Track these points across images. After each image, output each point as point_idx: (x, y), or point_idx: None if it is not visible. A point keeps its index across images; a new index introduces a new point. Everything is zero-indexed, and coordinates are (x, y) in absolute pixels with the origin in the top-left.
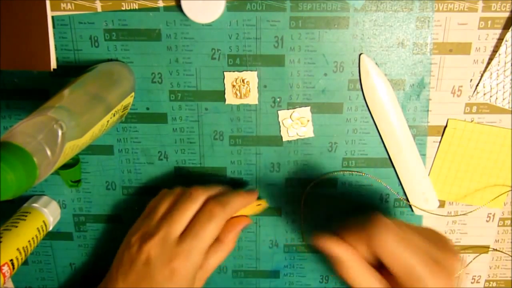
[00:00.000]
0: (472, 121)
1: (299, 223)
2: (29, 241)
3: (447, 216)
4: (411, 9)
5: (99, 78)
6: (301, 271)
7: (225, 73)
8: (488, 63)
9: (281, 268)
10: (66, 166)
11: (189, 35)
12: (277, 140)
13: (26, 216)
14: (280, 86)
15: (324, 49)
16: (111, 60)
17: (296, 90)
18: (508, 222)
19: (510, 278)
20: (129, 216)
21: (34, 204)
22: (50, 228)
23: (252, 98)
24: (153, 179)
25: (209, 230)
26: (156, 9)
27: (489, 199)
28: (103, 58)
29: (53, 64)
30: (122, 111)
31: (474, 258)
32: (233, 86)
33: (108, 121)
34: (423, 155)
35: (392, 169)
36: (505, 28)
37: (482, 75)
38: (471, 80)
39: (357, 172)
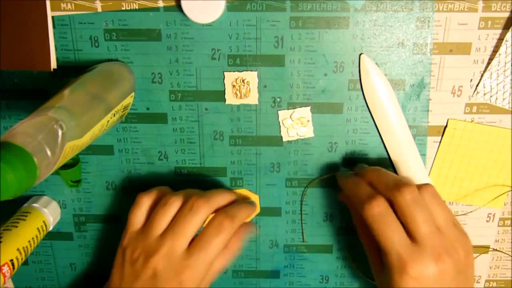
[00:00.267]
0: (472, 121)
1: (299, 223)
2: (29, 241)
3: None
4: (411, 9)
5: (99, 78)
6: (301, 271)
7: (225, 73)
8: (488, 63)
9: (281, 268)
10: (66, 166)
11: (189, 35)
12: (277, 140)
13: (26, 216)
14: (280, 86)
15: (324, 49)
16: (111, 60)
17: (296, 90)
18: (508, 222)
19: (510, 278)
20: None
21: (34, 204)
22: (50, 228)
23: (252, 98)
24: (153, 179)
25: (218, 243)
26: (156, 9)
27: (489, 199)
28: (103, 58)
29: (53, 64)
30: (122, 111)
31: (474, 259)
32: (233, 86)
33: (108, 121)
34: (423, 155)
35: (392, 169)
36: (505, 28)
37: (482, 75)
38: (471, 80)
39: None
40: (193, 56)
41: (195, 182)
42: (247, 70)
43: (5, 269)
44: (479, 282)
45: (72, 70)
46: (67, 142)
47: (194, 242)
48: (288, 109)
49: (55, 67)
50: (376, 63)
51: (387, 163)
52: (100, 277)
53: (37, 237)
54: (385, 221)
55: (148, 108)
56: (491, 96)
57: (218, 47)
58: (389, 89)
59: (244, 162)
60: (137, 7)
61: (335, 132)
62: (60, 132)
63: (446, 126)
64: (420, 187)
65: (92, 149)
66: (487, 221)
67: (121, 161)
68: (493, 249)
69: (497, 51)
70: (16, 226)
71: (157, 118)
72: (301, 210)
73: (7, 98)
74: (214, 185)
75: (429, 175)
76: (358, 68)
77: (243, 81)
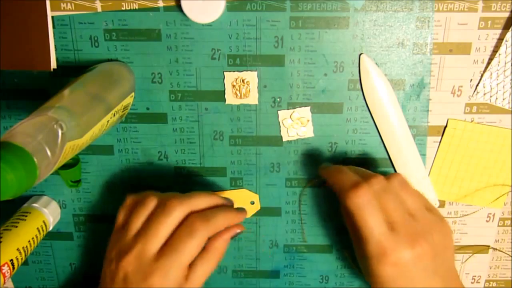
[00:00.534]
0: (472, 121)
1: (299, 223)
2: (29, 241)
3: (447, 216)
4: (411, 9)
5: (99, 78)
6: (301, 271)
7: (225, 73)
8: (488, 63)
9: (281, 268)
10: (66, 166)
11: (189, 35)
12: (277, 140)
13: (26, 216)
14: (280, 86)
15: (324, 49)
16: (111, 60)
17: (296, 90)
18: (508, 222)
19: (510, 278)
20: None
21: (34, 204)
22: (50, 228)
23: (252, 98)
24: (153, 179)
25: (189, 246)
26: (156, 9)
27: (489, 199)
28: (103, 58)
29: (53, 64)
30: (122, 111)
31: (474, 259)
32: (233, 86)
33: (108, 121)
34: (423, 155)
35: (392, 169)
36: (505, 28)
37: (482, 75)
38: (471, 80)
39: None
40: (193, 56)
41: (195, 182)
42: (247, 70)
43: (5, 269)
44: (479, 282)
45: (72, 70)
46: (67, 142)
47: (165, 245)
48: (288, 109)
49: (55, 67)
50: (376, 63)
51: (387, 163)
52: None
53: (37, 237)
54: (365, 210)
55: (148, 108)
56: (491, 96)
57: (218, 47)
58: (389, 89)
59: (244, 162)
60: (137, 7)
61: (335, 132)
62: (60, 132)
63: (446, 126)
64: (388, 177)
65: (92, 149)
66: (487, 221)
67: (121, 161)
68: (493, 249)
69: (497, 51)
70: (16, 226)
71: (157, 118)
72: (299, 209)
73: (7, 98)
74: (214, 185)
75: (429, 175)
76: (358, 68)
77: (243, 81)
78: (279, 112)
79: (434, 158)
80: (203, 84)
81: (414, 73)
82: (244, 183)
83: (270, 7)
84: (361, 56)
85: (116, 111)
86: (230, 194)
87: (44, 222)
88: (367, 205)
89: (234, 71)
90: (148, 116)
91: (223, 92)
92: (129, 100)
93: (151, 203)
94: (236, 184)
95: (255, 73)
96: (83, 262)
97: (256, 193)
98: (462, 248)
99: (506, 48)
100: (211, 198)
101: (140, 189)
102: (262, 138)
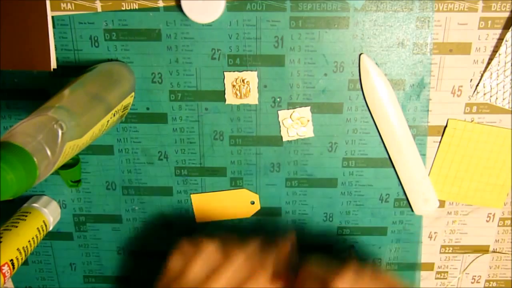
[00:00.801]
0: (472, 121)
1: (299, 223)
2: (29, 241)
3: (447, 216)
4: (411, 9)
5: (99, 78)
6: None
7: (225, 73)
8: (488, 63)
9: None
10: (66, 166)
11: (189, 35)
12: (277, 140)
13: (26, 216)
14: (280, 86)
15: (324, 49)
16: (111, 60)
17: (296, 90)
18: (508, 222)
19: (510, 278)
20: (129, 216)
21: (34, 204)
22: (50, 228)
23: (252, 98)
24: (153, 179)
25: None
26: (156, 9)
27: (489, 199)
28: (103, 58)
29: (53, 64)
30: (122, 111)
31: (474, 259)
32: (233, 86)
33: (108, 121)
34: (423, 155)
35: (392, 169)
36: (505, 28)
37: (482, 75)
38: (471, 80)
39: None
40: (193, 56)
41: (195, 182)
42: (247, 70)
43: (5, 269)
44: (479, 282)
45: (72, 70)
46: (67, 142)
47: None
48: (288, 109)
49: (55, 67)
50: (376, 63)
51: (387, 163)
52: (100, 277)
53: (37, 237)
54: None
55: (148, 108)
56: (491, 96)
57: (218, 47)
58: (389, 89)
59: (244, 162)
60: (137, 7)
61: (335, 132)
62: (60, 132)
63: (446, 126)
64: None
65: (92, 149)
66: (487, 221)
67: (121, 161)
68: (493, 249)
69: (497, 51)
70: (16, 226)
71: (157, 118)
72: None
73: (7, 98)
74: (214, 185)
75: (429, 175)
76: (358, 68)
77: (243, 81)
78: (279, 112)
79: (434, 158)
80: (203, 84)
81: (414, 73)
82: (244, 183)
83: (270, 7)
84: (361, 56)
85: (116, 111)
86: (230, 194)
87: (44, 222)
88: None
89: (234, 71)
90: (148, 116)
91: (223, 92)
92: (129, 100)
93: (212, 253)
94: (236, 184)
95: (255, 73)
96: (83, 262)
97: (256, 193)
98: (462, 248)
99: (506, 48)
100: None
101: (140, 190)
102: (262, 138)
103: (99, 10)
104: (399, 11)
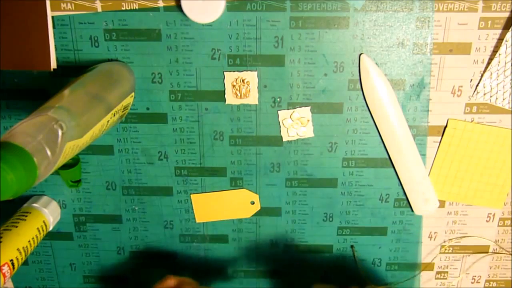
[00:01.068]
0: (472, 121)
1: (299, 223)
2: (29, 241)
3: (447, 216)
4: (411, 9)
5: (99, 78)
6: (301, 271)
7: (225, 73)
8: (488, 63)
9: (281, 268)
10: (66, 166)
11: (189, 35)
12: (277, 140)
13: (26, 216)
14: (280, 86)
15: (324, 49)
16: (111, 60)
17: (296, 90)
18: (508, 222)
19: (510, 278)
20: (129, 216)
21: (34, 204)
22: (50, 228)
23: (252, 98)
24: (153, 179)
25: None
26: (156, 9)
27: (489, 199)
28: (103, 58)
29: (53, 64)
30: (122, 111)
31: (476, 260)
32: (233, 86)
33: (108, 121)
34: (423, 155)
35: (392, 169)
36: (505, 28)
37: (482, 75)
38: (471, 80)
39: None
40: (193, 56)
41: (195, 182)
42: (247, 70)
43: (5, 269)
44: (479, 282)
45: (72, 70)
46: (67, 142)
47: None
48: (288, 109)
49: (55, 67)
50: (376, 63)
51: (387, 163)
52: (100, 277)
53: (37, 237)
54: None
55: (148, 108)
56: (491, 96)
57: (218, 47)
58: (389, 89)
59: (244, 162)
60: (137, 7)
61: (335, 132)
62: (60, 132)
63: (446, 126)
64: None
65: (92, 149)
66: (487, 221)
67: (121, 161)
68: (493, 249)
69: (497, 51)
70: (16, 226)
71: (157, 118)
72: None
73: (7, 98)
74: (214, 185)
75: (429, 175)
76: (358, 68)
77: (243, 81)
78: (279, 112)
79: (434, 158)
80: (203, 84)
81: (414, 73)
82: (244, 183)
83: (270, 7)
84: (361, 56)
85: (116, 111)
86: (230, 194)
87: (44, 222)
88: None
89: (234, 71)
90: (148, 116)
91: (223, 92)
92: (129, 100)
93: None
94: (236, 184)
95: (255, 73)
96: (83, 262)
97: (256, 193)
98: (462, 248)
99: (506, 48)
100: None
101: (140, 190)
102: (262, 138)
103: (99, 10)
104: (399, 11)
